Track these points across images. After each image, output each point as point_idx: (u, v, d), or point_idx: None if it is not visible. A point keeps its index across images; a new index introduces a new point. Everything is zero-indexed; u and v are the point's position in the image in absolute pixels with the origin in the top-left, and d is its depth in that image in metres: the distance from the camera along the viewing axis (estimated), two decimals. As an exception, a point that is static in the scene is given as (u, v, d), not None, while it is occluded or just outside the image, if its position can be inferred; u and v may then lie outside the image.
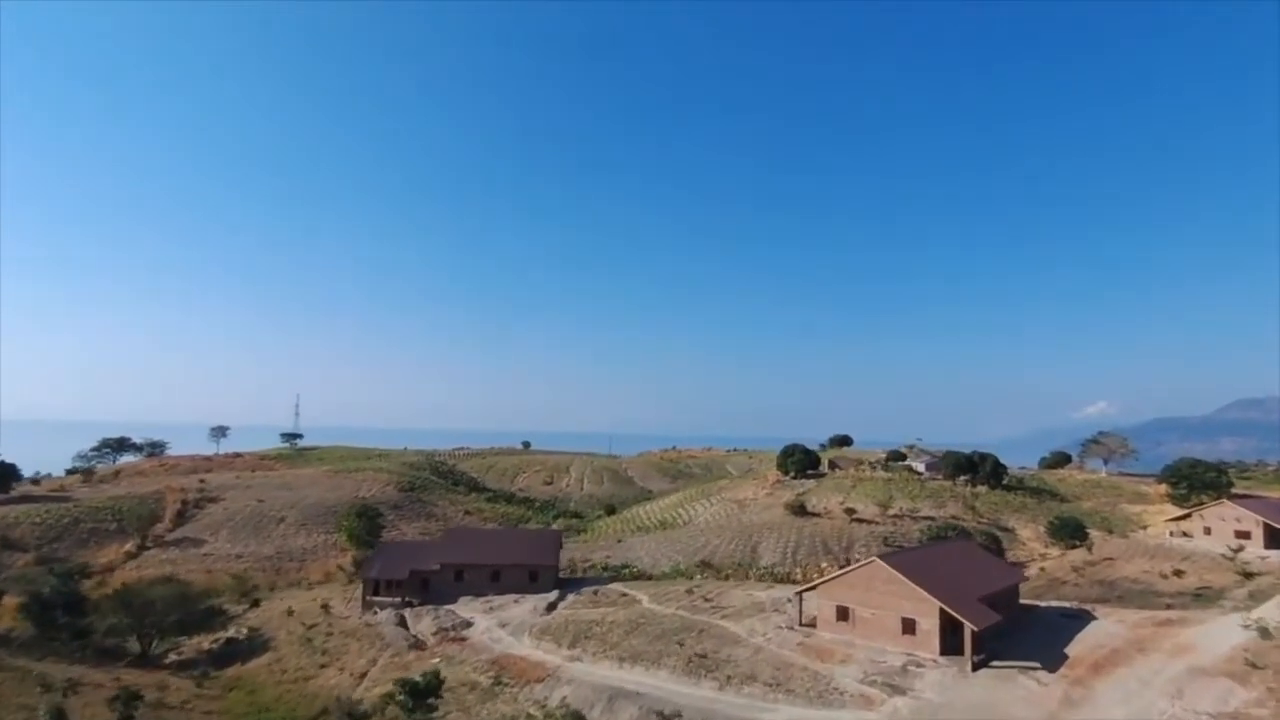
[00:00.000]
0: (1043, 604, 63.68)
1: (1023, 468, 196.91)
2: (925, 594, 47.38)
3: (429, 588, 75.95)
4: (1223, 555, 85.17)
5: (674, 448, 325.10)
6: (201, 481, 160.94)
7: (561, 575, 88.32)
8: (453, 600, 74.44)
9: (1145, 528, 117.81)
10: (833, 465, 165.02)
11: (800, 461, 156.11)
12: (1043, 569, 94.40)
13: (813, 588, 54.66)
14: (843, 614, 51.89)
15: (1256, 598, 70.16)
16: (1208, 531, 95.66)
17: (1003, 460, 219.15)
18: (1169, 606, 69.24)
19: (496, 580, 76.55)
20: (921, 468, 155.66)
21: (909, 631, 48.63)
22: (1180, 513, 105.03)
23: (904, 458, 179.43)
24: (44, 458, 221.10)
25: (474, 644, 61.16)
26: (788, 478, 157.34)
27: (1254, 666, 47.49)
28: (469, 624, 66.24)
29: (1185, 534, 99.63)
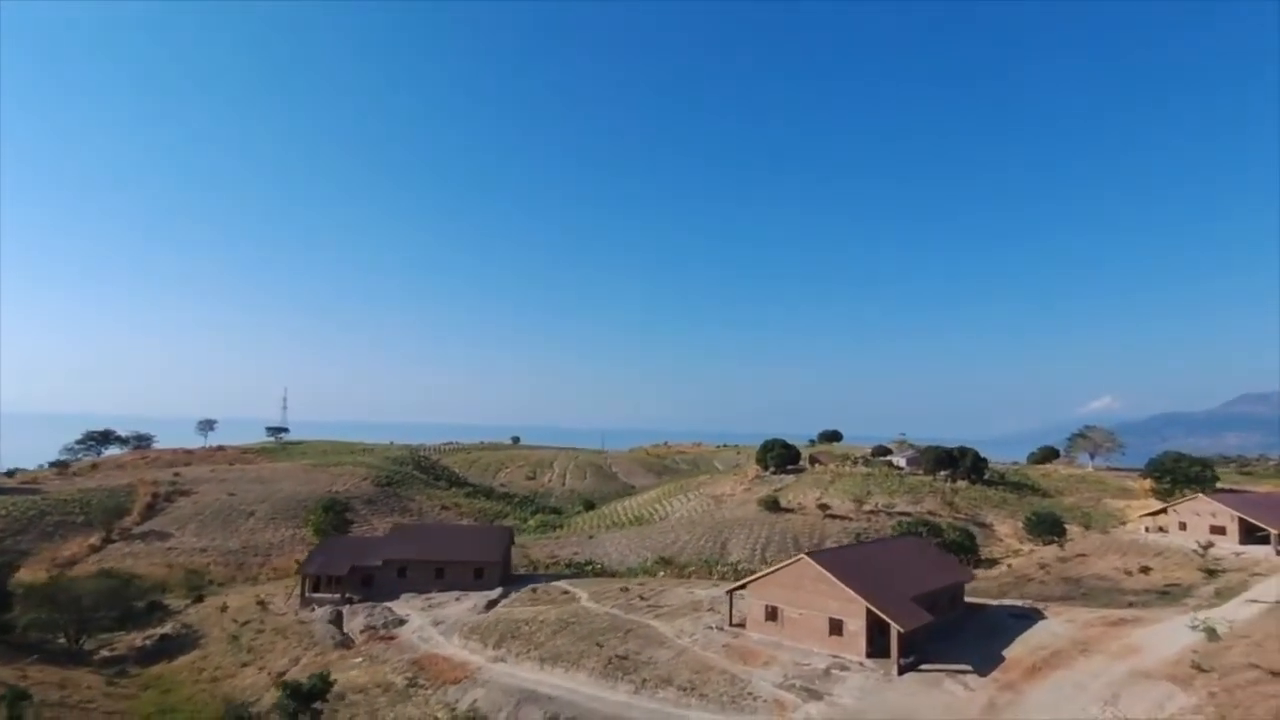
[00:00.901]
0: (994, 603, 61.32)
1: (1015, 463, 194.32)
2: (852, 593, 45.02)
3: (372, 584, 73.86)
4: (1194, 551, 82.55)
5: (665, 443, 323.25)
6: (176, 475, 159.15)
7: (518, 572, 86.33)
8: (395, 597, 72.33)
9: (1124, 523, 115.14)
10: (814, 460, 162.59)
11: (780, 456, 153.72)
12: (1010, 566, 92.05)
13: (743, 586, 52.29)
14: (772, 614, 49.54)
15: (1223, 595, 67.72)
16: (1183, 527, 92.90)
17: (996, 455, 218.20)
18: (1130, 604, 66.84)
19: (441, 577, 74.39)
20: (903, 463, 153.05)
21: (836, 633, 46.27)
22: (1155, 508, 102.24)
23: (889, 453, 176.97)
24: (38, 451, 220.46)
25: (401, 643, 59.06)
26: (767, 473, 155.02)
27: (1199, 669, 45.09)
28: (402, 622, 64.15)
29: (1161, 529, 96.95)
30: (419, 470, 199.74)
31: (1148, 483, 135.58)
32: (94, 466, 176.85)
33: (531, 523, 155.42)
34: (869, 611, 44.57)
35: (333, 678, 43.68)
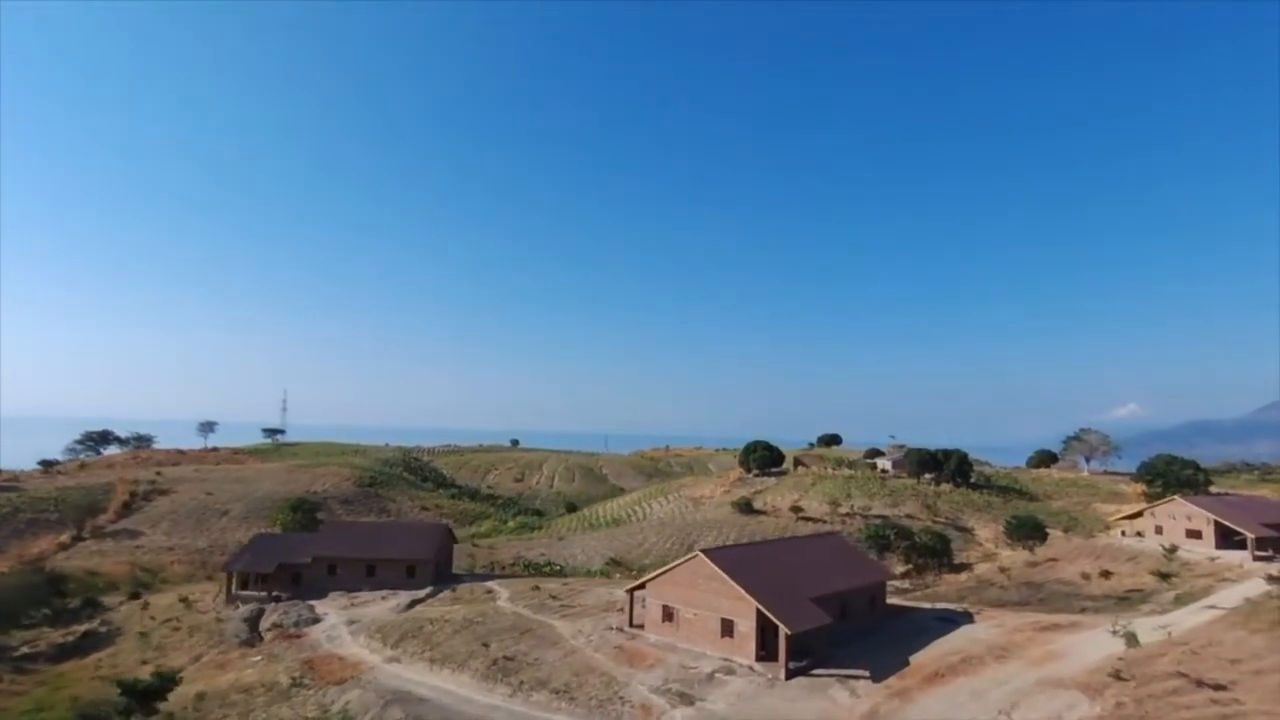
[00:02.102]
0: (926, 605, 58.26)
1: (1017, 468, 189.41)
2: (742, 592, 42.38)
3: (300, 582, 72.18)
4: (1163, 554, 78.66)
5: (666, 447, 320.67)
6: (158, 474, 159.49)
7: (465, 571, 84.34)
8: (323, 595, 70.63)
9: (1108, 528, 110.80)
10: (798, 463, 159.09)
11: (762, 458, 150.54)
12: (972, 571, 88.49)
13: (642, 585, 49.75)
14: (668, 615, 46.99)
15: (1182, 600, 64.14)
16: (1159, 530, 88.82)
17: (1005, 461, 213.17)
18: (1083, 610, 63.44)
19: (372, 575, 72.55)
20: (888, 465, 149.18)
21: (728, 634, 43.63)
22: (1131, 511, 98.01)
23: (881, 456, 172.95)
24: (42, 453, 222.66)
25: (306, 642, 57.22)
26: (750, 475, 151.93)
27: (1118, 678, 41.97)
28: (317, 620, 62.38)
29: (1138, 533, 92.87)
30: (408, 471, 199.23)
31: (1140, 487, 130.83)
32: (82, 466, 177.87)
33: (511, 524, 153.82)
34: (759, 612, 41.90)
35: (210, 677, 41.72)
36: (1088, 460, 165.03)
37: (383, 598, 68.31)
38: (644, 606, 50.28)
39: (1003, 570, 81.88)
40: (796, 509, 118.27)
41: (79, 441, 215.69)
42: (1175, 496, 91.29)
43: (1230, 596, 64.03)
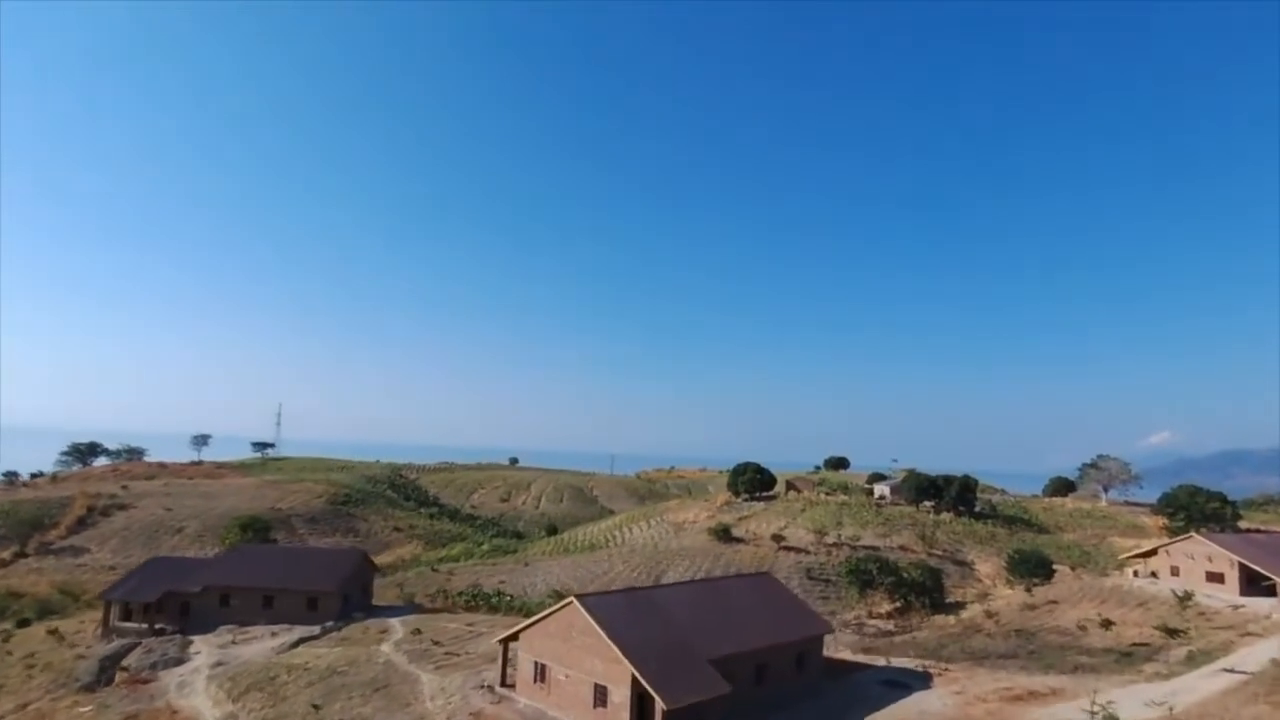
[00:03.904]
0: (878, 662, 48.93)
1: (1031, 496, 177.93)
2: (618, 653, 33.81)
3: (190, 613, 64.48)
4: (1178, 601, 68.30)
5: (671, 468, 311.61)
6: (123, 488, 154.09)
7: (385, 604, 76.14)
8: (211, 629, 62.82)
9: (1121, 567, 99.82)
10: (790, 487, 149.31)
11: (751, 481, 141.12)
12: (962, 613, 78.49)
13: (515, 636, 41.13)
14: (540, 673, 38.45)
15: (1195, 660, 54.01)
16: (1175, 572, 78.17)
17: (1018, 488, 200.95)
18: (1076, 669, 53.62)
19: (269, 607, 64.67)
20: (885, 491, 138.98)
21: (601, 703, 35.00)
22: (1145, 549, 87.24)
23: (882, 480, 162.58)
24: (34, 464, 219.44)
25: (151, 689, 49.46)
26: (738, 499, 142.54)
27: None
28: (182, 661, 54.47)
29: (1152, 574, 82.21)
30: (392, 489, 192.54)
31: (1160, 520, 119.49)
32: (54, 479, 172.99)
33: (485, 547, 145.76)
34: (635, 679, 33.22)
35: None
36: (1106, 490, 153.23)
37: (273, 634, 60.44)
38: (509, 661, 41.81)
39: (990, 615, 71.83)
40: (778, 538, 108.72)
41: (65, 453, 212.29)
42: (1194, 533, 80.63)
43: (1253, 656, 53.82)
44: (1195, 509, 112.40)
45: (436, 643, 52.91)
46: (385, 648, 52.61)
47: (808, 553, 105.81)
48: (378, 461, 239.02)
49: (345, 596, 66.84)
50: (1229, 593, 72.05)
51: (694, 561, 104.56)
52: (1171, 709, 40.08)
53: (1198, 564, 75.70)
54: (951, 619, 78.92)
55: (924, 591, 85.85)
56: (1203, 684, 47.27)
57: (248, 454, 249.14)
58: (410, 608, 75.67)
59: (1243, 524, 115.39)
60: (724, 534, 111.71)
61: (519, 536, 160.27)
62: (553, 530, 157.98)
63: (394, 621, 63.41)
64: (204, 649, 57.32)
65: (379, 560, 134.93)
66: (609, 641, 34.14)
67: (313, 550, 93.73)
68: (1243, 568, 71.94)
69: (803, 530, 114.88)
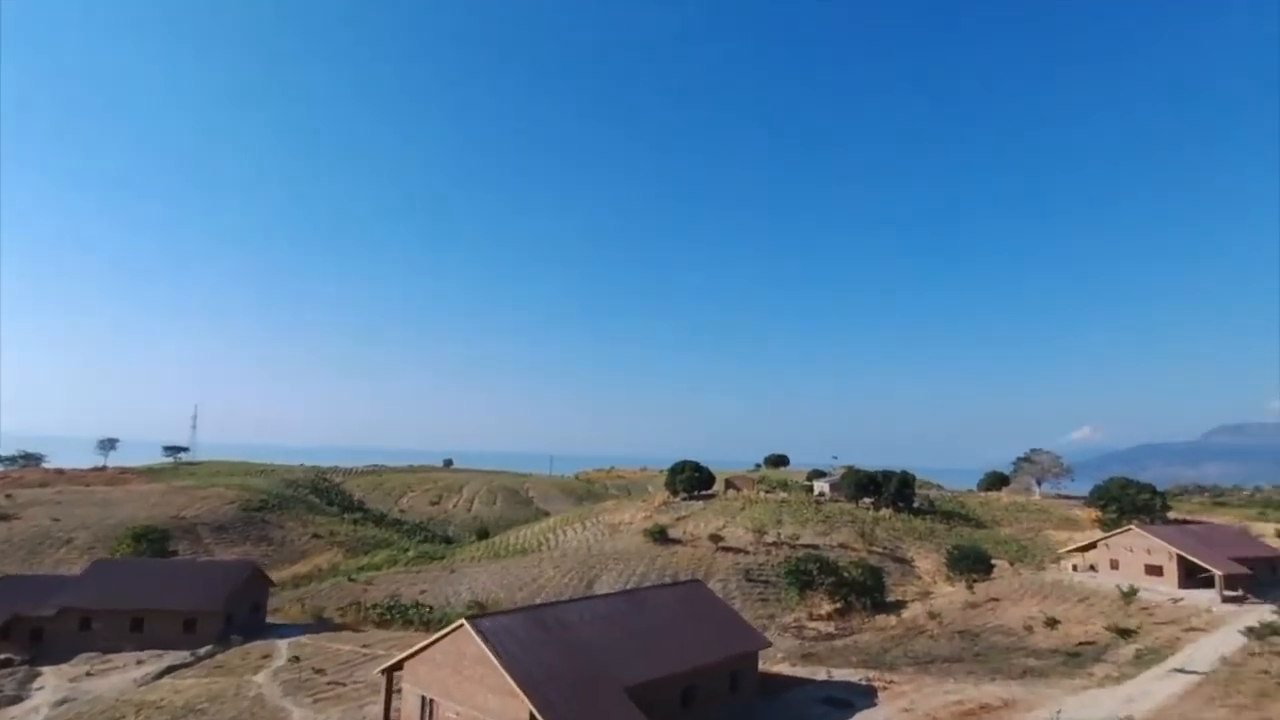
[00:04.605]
0: (819, 675, 44.66)
1: (968, 490, 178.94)
2: (513, 685, 28.38)
3: (43, 640, 56.17)
4: (1120, 597, 66.45)
5: (611, 468, 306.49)
6: (7, 497, 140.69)
7: (283, 622, 68.72)
8: (69, 658, 54.71)
9: (1059, 560, 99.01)
10: (730, 485, 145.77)
11: (690, 480, 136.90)
12: (904, 613, 75.46)
13: (399, 665, 35.24)
14: (427, 709, 32.75)
15: (1143, 659, 51.58)
16: (1115, 565, 76.88)
17: (953, 484, 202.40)
18: (1025, 673, 50.52)
19: (138, 631, 56.89)
20: (825, 488, 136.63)
21: (497, 743, 29.48)
22: (1083, 542, 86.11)
23: (822, 477, 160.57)
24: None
25: (-27, 735, 41.51)
26: (677, 499, 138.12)
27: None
28: (17, 700, 46.58)
29: (1091, 568, 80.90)
30: (314, 494, 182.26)
31: (1093, 512, 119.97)
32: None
33: (411, 553, 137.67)
34: (533, 717, 27.83)
35: None
36: (1039, 483, 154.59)
37: (139, 662, 52.80)
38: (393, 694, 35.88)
39: (933, 616, 68.80)
40: (716, 538, 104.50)
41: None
42: (1133, 526, 79.49)
43: (1202, 654, 51.72)
44: (1126, 500, 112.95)
45: (319, 670, 46.32)
46: (261, 677, 45.84)
47: (746, 553, 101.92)
48: (301, 465, 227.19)
49: (229, 616, 59.31)
50: (1168, 585, 70.82)
51: (628, 565, 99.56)
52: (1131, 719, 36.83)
53: (1137, 557, 74.39)
54: (893, 619, 75.92)
55: (865, 591, 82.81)
56: (1157, 687, 44.58)
57: (159, 458, 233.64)
58: (313, 625, 68.51)
59: (1171, 514, 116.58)
60: (660, 535, 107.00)
61: (448, 541, 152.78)
62: (484, 534, 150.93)
63: (283, 644, 56.27)
64: (52, 683, 49.40)
65: (293, 570, 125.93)
66: (504, 672, 28.72)
67: (194, 564, 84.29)
68: (1181, 560, 70.77)
69: (742, 530, 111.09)
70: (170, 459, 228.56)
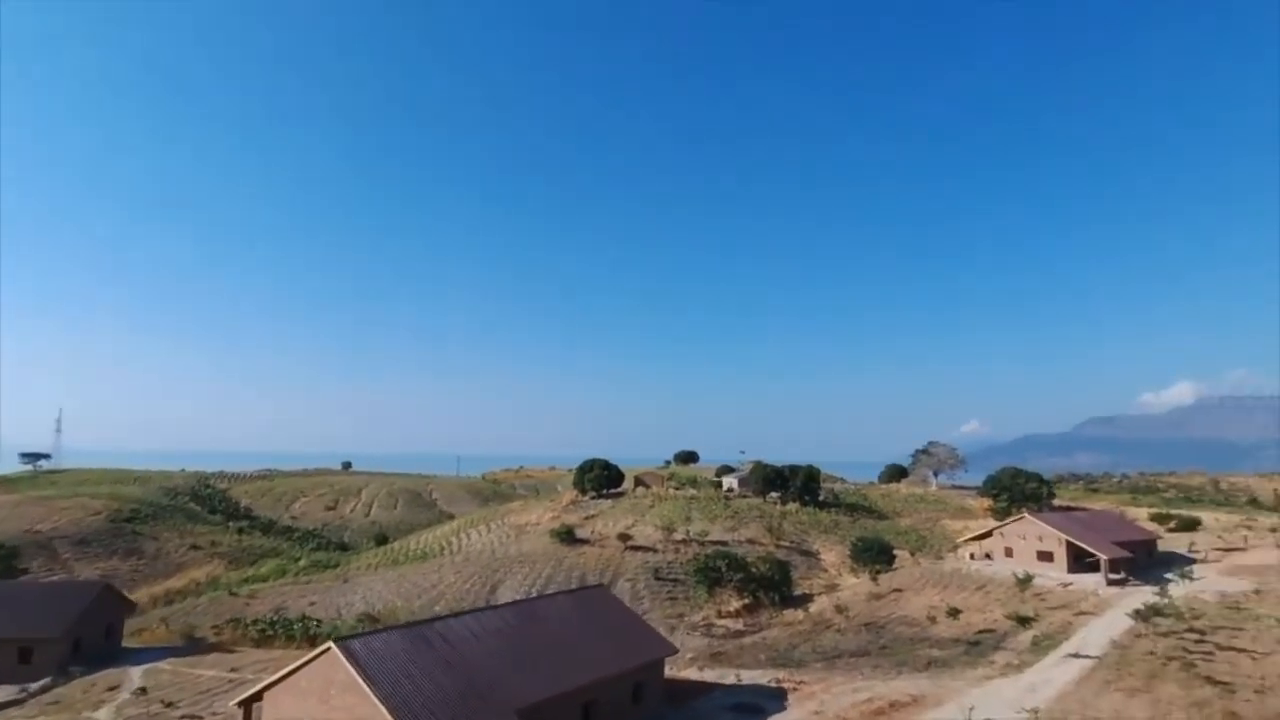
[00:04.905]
0: (728, 679, 42.95)
1: (869, 483, 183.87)
2: (386, 714, 24.88)
3: None
4: (1016, 584, 68.17)
5: (520, 467, 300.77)
6: None
7: (140, 645, 61.79)
8: (-128, 699, 46.76)
9: (956, 548, 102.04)
10: (639, 483, 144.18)
11: (598, 479, 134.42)
12: (810, 608, 75.33)
13: (259, 695, 31.13)
14: (291, 743, 28.84)
15: (1040, 646, 52.49)
16: (1009, 553, 79.41)
17: (854, 476, 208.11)
18: (929, 664, 50.49)
19: (-38, 663, 49.47)
20: (733, 484, 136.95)
21: (369, 781, 25.96)
22: (979, 531, 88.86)
23: (731, 473, 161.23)
24: None
25: None
26: (585, 498, 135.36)
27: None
28: None
29: (987, 556, 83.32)
30: (195, 501, 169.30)
31: (985, 501, 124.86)
32: None
33: (302, 562, 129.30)
34: (411, 747, 24.53)
35: None
36: (936, 475, 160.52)
37: (-42, 701, 45.54)
38: None
39: (840, 610, 68.71)
40: (625, 537, 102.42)
41: None
42: (1025, 514, 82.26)
43: (1093, 637, 53.14)
44: (1016, 490, 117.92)
45: (170, 704, 40.91)
46: (102, 714, 40.16)
47: (655, 551, 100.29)
48: (182, 471, 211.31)
49: (77, 642, 52.51)
50: (1058, 570, 73.37)
51: (534, 568, 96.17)
52: (1036, 711, 36.65)
53: (1029, 544, 76.88)
54: (800, 614, 75.63)
55: (773, 586, 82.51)
56: (1055, 673, 45.11)
57: (17, 466, 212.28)
58: (181, 647, 61.93)
59: (1055, 502, 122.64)
60: (568, 536, 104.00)
61: (344, 548, 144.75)
62: (382, 540, 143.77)
63: (137, 672, 50.11)
64: None
65: (167, 586, 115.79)
66: (376, 701, 25.24)
67: (33, 586, 75.25)
68: (1070, 545, 73.47)
69: (651, 528, 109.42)
70: (29, 466, 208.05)
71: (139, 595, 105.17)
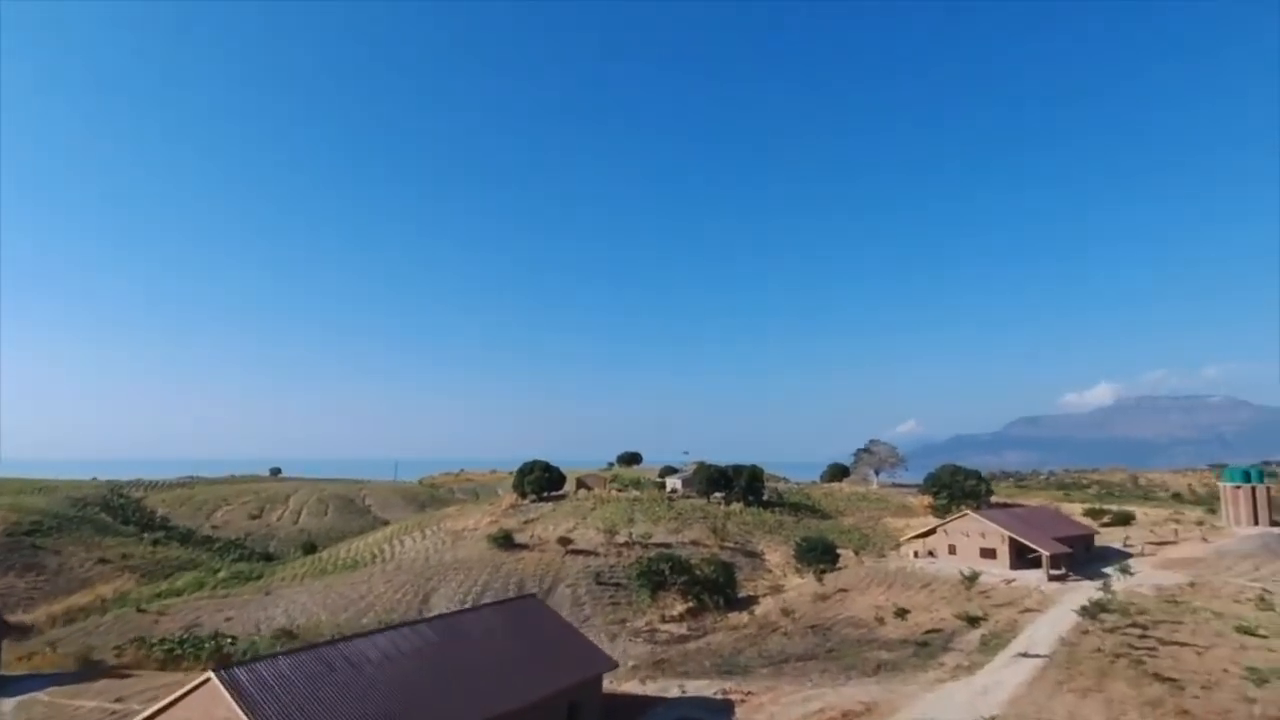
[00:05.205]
0: (674, 691, 40.35)
1: (811, 482, 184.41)
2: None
3: None
4: (961, 581, 67.55)
5: (460, 470, 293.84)
6: None
7: (21, 673, 55.78)
8: None
9: (898, 546, 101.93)
10: (581, 484, 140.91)
11: (539, 481, 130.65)
12: (756, 610, 73.40)
13: (134, 731, 27.03)
14: (166, 792, 24.92)
15: (989, 645, 51.42)
16: (953, 550, 79.18)
17: (797, 476, 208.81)
18: (879, 667, 48.81)
19: None
20: (677, 485, 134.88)
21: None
22: (923, 529, 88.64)
23: (674, 473, 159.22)
24: None
25: None
26: (525, 501, 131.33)
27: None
28: None
29: (930, 554, 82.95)
30: (106, 511, 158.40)
31: (926, 499, 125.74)
32: None
33: (222, 574, 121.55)
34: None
35: None
36: (877, 473, 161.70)
37: None
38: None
39: (786, 613, 66.93)
40: (566, 540, 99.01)
41: None
42: (968, 512, 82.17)
43: (1040, 635, 52.38)
44: (956, 487, 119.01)
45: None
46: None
47: (597, 555, 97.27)
48: (93, 479, 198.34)
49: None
50: (1001, 567, 73.22)
51: (470, 575, 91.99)
52: (992, 719, 35.03)
53: (973, 541, 76.64)
54: (745, 616, 73.68)
55: (717, 589, 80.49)
56: (1006, 675, 43.84)
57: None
58: (71, 674, 55.93)
59: (993, 499, 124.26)
60: (506, 541, 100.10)
61: (269, 559, 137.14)
62: (310, 548, 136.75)
63: (10, 704, 44.52)
64: None
65: (69, 603, 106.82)
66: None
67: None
68: (1012, 542, 73.38)
69: (593, 531, 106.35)
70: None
71: (37, 615, 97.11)
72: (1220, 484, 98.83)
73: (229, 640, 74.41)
